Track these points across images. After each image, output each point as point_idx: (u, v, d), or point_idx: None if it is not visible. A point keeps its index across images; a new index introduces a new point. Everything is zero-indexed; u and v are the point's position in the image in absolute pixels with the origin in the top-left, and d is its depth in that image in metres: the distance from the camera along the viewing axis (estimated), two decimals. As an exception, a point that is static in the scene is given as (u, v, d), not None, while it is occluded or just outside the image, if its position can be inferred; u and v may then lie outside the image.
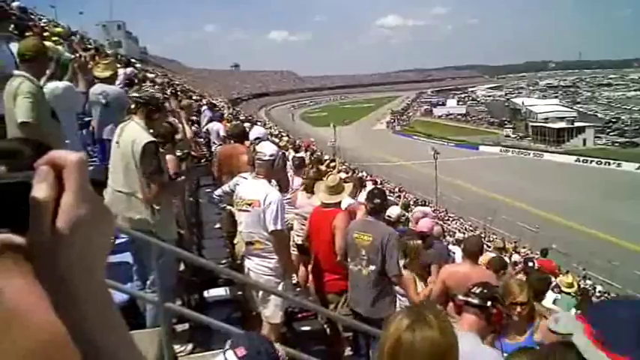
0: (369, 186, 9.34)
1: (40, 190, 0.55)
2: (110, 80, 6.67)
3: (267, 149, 4.60)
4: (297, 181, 6.86)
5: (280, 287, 4.44)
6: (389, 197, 9.49)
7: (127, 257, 4.78)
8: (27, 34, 7.96)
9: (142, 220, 4.14)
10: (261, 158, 4.51)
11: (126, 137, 4.17)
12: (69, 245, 0.55)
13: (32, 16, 17.97)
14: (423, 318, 1.90)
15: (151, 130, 4.28)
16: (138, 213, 4.15)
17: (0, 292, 0.57)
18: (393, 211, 7.17)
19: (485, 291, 3.04)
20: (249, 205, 4.41)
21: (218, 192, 5.66)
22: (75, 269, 0.56)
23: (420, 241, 5.71)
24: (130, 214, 4.13)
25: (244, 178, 4.87)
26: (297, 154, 10.11)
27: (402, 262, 5.38)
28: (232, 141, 7.39)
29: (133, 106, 4.35)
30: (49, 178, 0.56)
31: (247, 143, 6.74)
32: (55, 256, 0.55)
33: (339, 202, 5.48)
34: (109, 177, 4.27)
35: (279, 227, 4.33)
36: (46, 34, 8.87)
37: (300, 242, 5.97)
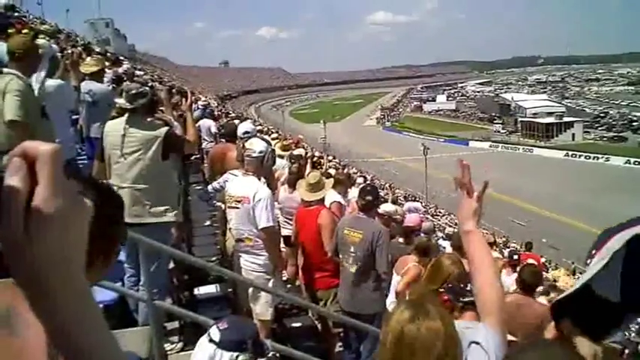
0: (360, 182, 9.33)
1: (13, 183, 0.53)
2: (97, 76, 6.64)
3: (256, 146, 4.57)
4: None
5: (270, 284, 4.46)
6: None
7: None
8: (10, 31, 7.88)
9: (172, 208, 4.32)
10: (251, 155, 4.49)
11: (139, 140, 4.20)
12: (42, 240, 0.53)
13: (18, 13, 17.80)
14: (424, 309, 1.90)
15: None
16: (168, 202, 4.31)
17: (18, 316, 0.57)
18: (388, 208, 7.18)
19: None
20: (239, 201, 4.41)
21: (209, 188, 5.67)
22: (49, 265, 0.54)
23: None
24: (161, 206, 4.24)
25: (234, 175, 4.87)
26: (295, 152, 10.09)
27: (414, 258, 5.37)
28: (224, 140, 7.39)
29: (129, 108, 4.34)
30: (21, 170, 0.54)
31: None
32: (28, 251, 0.53)
33: (322, 199, 5.50)
34: (113, 178, 4.28)
35: (269, 224, 4.34)
36: (25, 31, 8.73)
37: (285, 234, 5.99)
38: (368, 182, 18.31)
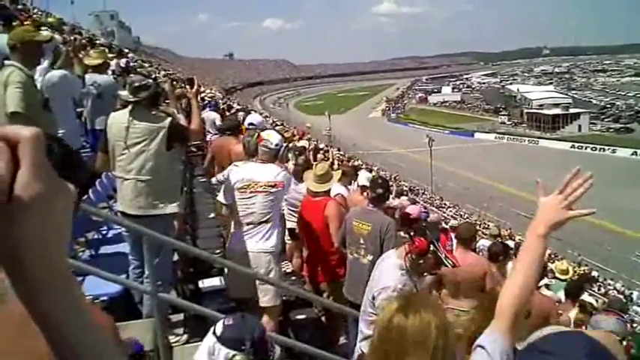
0: (363, 174, 9.28)
1: None
2: (101, 68, 6.63)
3: (273, 138, 4.65)
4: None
5: (272, 274, 4.47)
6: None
7: (121, 248, 4.79)
8: (14, 24, 7.88)
9: (175, 199, 4.35)
10: (267, 146, 4.55)
11: (143, 131, 4.20)
12: (23, 224, 0.53)
13: (22, 5, 17.80)
14: (415, 301, 1.86)
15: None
16: (172, 193, 4.34)
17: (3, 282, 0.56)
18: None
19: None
20: (272, 186, 4.44)
21: (213, 180, 5.65)
22: (30, 249, 0.54)
23: None
24: (164, 198, 4.27)
25: (237, 166, 4.88)
26: (298, 144, 10.10)
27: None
28: (226, 134, 7.40)
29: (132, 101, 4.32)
30: (4, 154, 0.53)
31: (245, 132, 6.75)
32: (9, 235, 0.53)
33: (328, 191, 5.49)
34: (117, 170, 4.30)
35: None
36: (27, 22, 8.72)
37: (290, 227, 6.00)
38: (374, 175, 18.31)
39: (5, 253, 0.53)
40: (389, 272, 3.45)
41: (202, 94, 15.13)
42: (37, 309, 0.56)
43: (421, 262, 3.47)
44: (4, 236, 0.53)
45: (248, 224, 4.50)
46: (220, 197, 4.70)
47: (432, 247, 3.37)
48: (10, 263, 0.54)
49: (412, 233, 3.40)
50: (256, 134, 5.01)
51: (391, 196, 7.49)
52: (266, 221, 4.48)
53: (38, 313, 0.56)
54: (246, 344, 2.08)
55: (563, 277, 8.47)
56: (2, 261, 0.54)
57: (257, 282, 4.49)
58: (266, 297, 4.46)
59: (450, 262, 3.41)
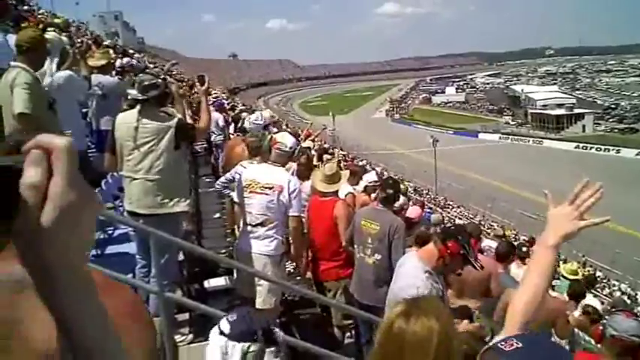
0: (368, 176, 9.21)
1: (34, 176, 0.52)
2: (105, 69, 6.66)
3: (288, 140, 4.70)
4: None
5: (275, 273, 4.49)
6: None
7: (127, 247, 4.80)
8: (23, 25, 7.91)
9: (183, 199, 4.39)
10: (282, 149, 4.60)
11: (152, 131, 4.24)
12: (54, 232, 0.53)
13: (27, 6, 17.83)
14: (420, 307, 1.84)
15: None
16: (180, 193, 4.37)
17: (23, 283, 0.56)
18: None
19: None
20: (269, 188, 4.43)
21: (222, 180, 5.63)
22: (59, 258, 0.54)
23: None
24: (172, 197, 4.30)
25: (244, 167, 4.90)
26: (303, 145, 10.10)
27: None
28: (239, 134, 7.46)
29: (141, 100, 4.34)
30: (42, 163, 0.53)
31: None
32: (40, 245, 0.53)
33: (337, 191, 5.49)
34: (126, 170, 4.33)
35: (300, 212, 4.59)
36: (32, 23, 8.75)
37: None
38: (391, 176, 18.27)
39: (34, 259, 0.54)
40: (414, 275, 3.43)
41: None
42: (58, 312, 0.56)
43: (449, 264, 3.50)
44: (35, 244, 0.53)
45: (247, 225, 4.54)
46: (234, 194, 4.76)
47: (462, 252, 3.39)
48: (38, 269, 0.54)
49: (444, 237, 3.39)
50: (270, 136, 5.06)
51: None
52: (261, 224, 4.47)
53: (59, 316, 0.57)
54: (258, 333, 2.11)
55: (572, 277, 8.44)
56: (30, 266, 0.54)
57: (255, 283, 4.50)
58: (259, 299, 4.46)
59: (478, 264, 3.44)
